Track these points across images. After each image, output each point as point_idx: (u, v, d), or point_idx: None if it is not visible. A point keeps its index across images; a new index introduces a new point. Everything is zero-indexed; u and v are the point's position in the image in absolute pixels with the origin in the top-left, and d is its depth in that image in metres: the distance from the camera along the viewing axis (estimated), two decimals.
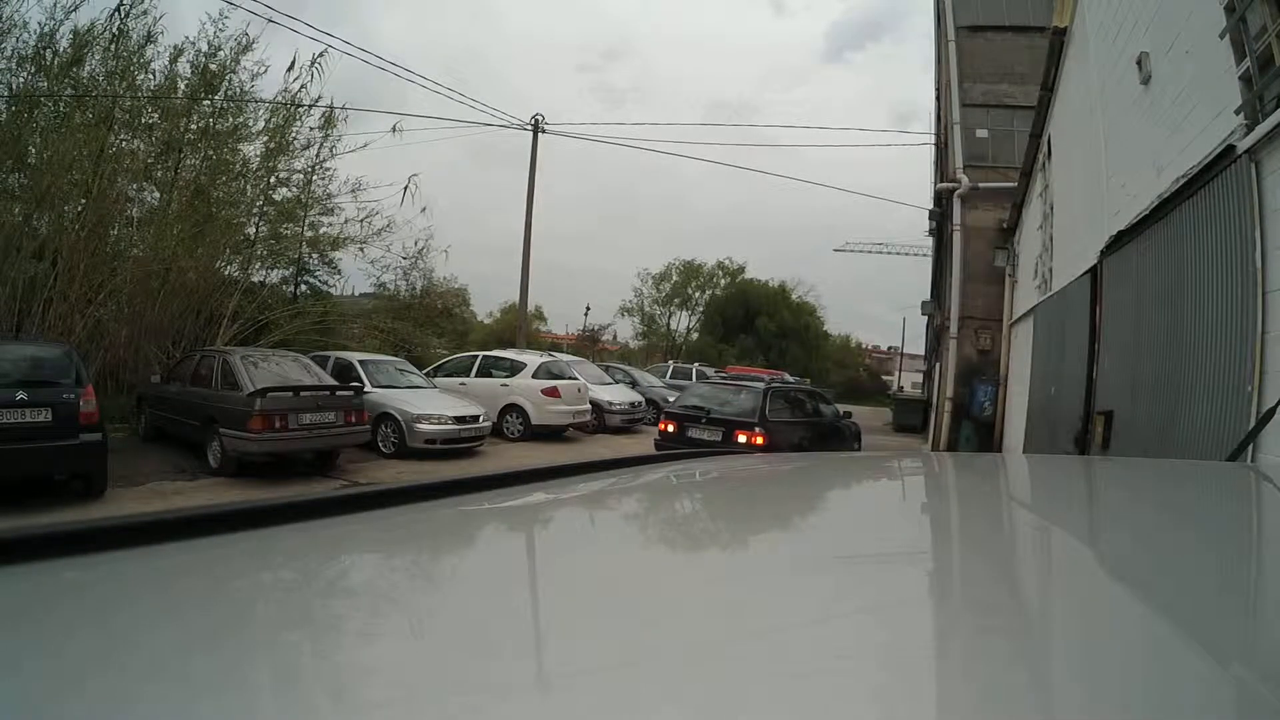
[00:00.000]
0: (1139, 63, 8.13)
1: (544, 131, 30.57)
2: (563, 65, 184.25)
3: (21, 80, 17.23)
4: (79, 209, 17.42)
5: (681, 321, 72.71)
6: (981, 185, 20.51)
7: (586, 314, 63.79)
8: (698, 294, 72.19)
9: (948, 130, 22.27)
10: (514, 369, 19.83)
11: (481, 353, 22.43)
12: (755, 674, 0.75)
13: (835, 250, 75.89)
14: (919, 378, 54.36)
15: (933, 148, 28.57)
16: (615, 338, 70.53)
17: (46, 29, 17.31)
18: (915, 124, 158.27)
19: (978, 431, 19.93)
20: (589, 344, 58.61)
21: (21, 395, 9.35)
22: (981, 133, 21.28)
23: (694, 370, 32.43)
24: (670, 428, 14.42)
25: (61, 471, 10.04)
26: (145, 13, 18.35)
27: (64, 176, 16.73)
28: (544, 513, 1.76)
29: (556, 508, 1.80)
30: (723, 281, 72.03)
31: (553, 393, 18.99)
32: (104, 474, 10.27)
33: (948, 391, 21.16)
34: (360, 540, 1.34)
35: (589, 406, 20.77)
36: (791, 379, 48.76)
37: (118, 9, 17.88)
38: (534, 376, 19.55)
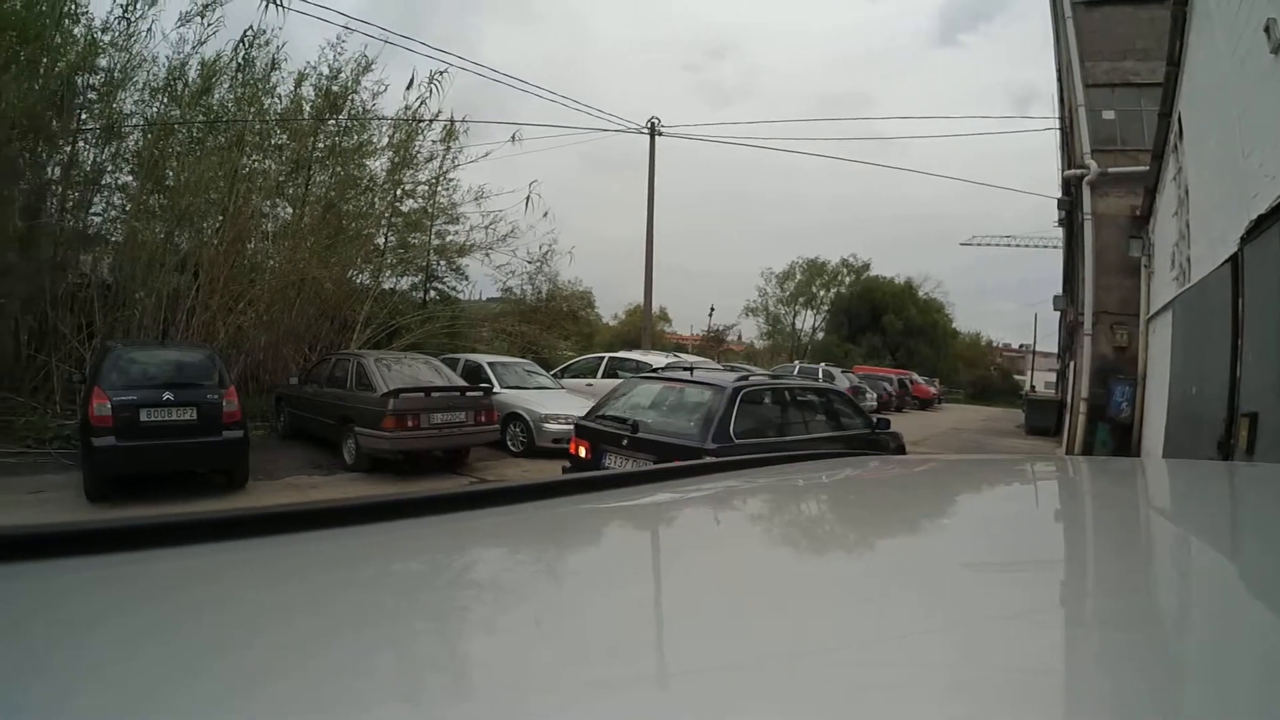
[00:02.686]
0: (1267, 30, 7.74)
1: (660, 134, 30.76)
2: (669, 65, 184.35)
3: (156, 109, 18.13)
4: (217, 225, 18.32)
5: (806, 321, 72.13)
6: (1111, 170, 19.55)
7: (711, 314, 63.52)
8: (822, 292, 71.52)
9: (1072, 113, 21.43)
10: (639, 370, 19.89)
11: (608, 354, 22.65)
12: (879, 681, 0.76)
13: (961, 244, 74.25)
14: (1052, 377, 52.74)
15: (1057, 132, 27.57)
16: (740, 338, 70.31)
17: (175, 62, 18.18)
18: (1035, 106, 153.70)
19: (1114, 434, 18.97)
20: (714, 344, 58.44)
21: (168, 396, 10.04)
22: (1108, 114, 20.21)
23: (819, 370, 31.97)
24: (583, 450, 9.61)
25: (206, 466, 10.69)
26: (267, 42, 19.19)
27: (201, 196, 17.59)
28: (667, 512, 1.77)
29: (680, 507, 1.80)
30: (847, 279, 71.20)
31: None
32: (245, 469, 10.88)
33: (1082, 392, 20.11)
34: (486, 535, 1.40)
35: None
36: (921, 379, 48.20)
37: (241, 40, 18.76)
38: None
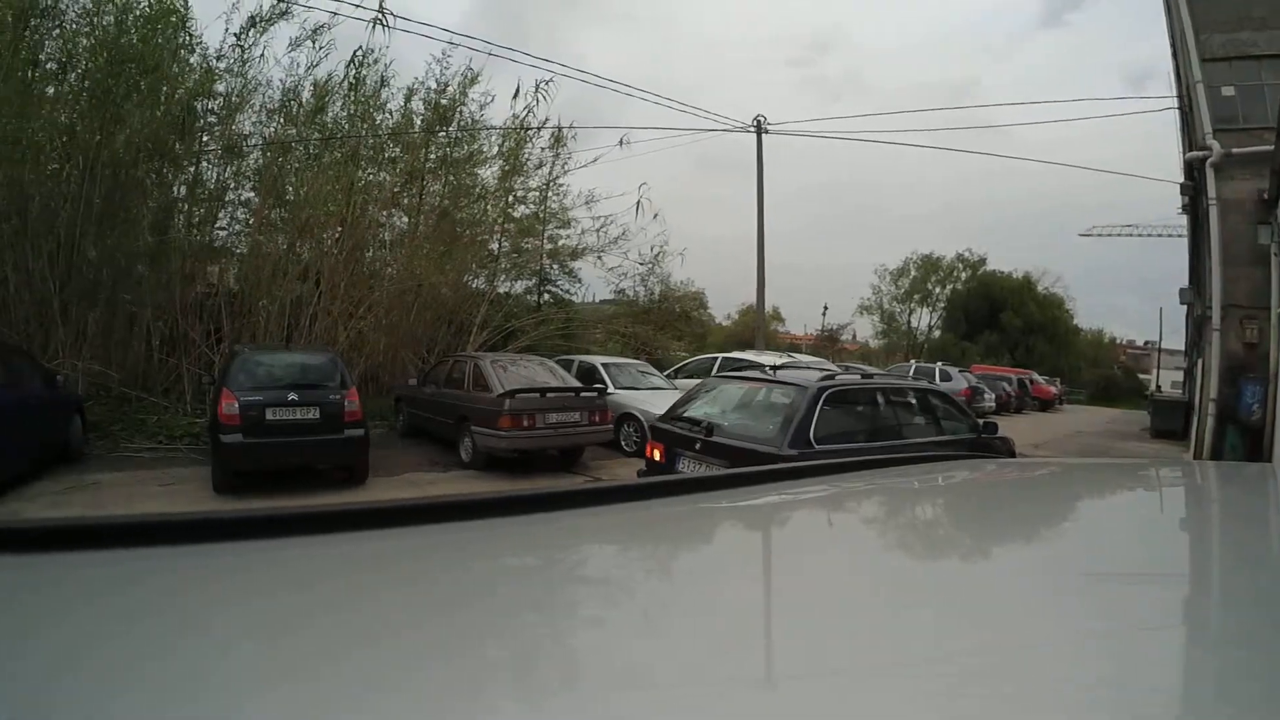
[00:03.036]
0: None
1: (766, 132, 30.54)
2: (773, 63, 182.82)
3: (273, 129, 19.40)
4: (336, 236, 19.26)
5: (922, 319, 70.50)
6: (1235, 151, 18.25)
7: (824, 313, 62.49)
8: (938, 289, 69.71)
9: (1189, 91, 20.07)
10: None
11: (721, 354, 22.56)
12: (994, 692, 0.75)
13: (1081, 235, 71.38)
14: (1179, 376, 50.50)
15: (1176, 112, 26.25)
16: (855, 337, 69.13)
17: (289, 84, 19.41)
18: (1152, 85, 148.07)
19: (1245, 437, 17.68)
20: (827, 344, 57.60)
21: (293, 396, 10.54)
22: (1227, 90, 18.86)
23: (935, 370, 31.30)
24: (657, 454, 8.87)
25: (328, 463, 11.16)
26: (376, 61, 20.25)
27: (320, 209, 18.54)
28: (780, 513, 1.75)
29: (792, 509, 1.79)
30: (963, 275, 69.24)
31: None
32: (365, 465, 11.27)
33: (1210, 392, 18.72)
34: (591, 532, 1.41)
35: None
36: (1041, 379, 46.82)
37: (351, 60, 19.88)
38: None
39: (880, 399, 9.11)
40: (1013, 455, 10.03)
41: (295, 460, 10.72)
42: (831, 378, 8.76)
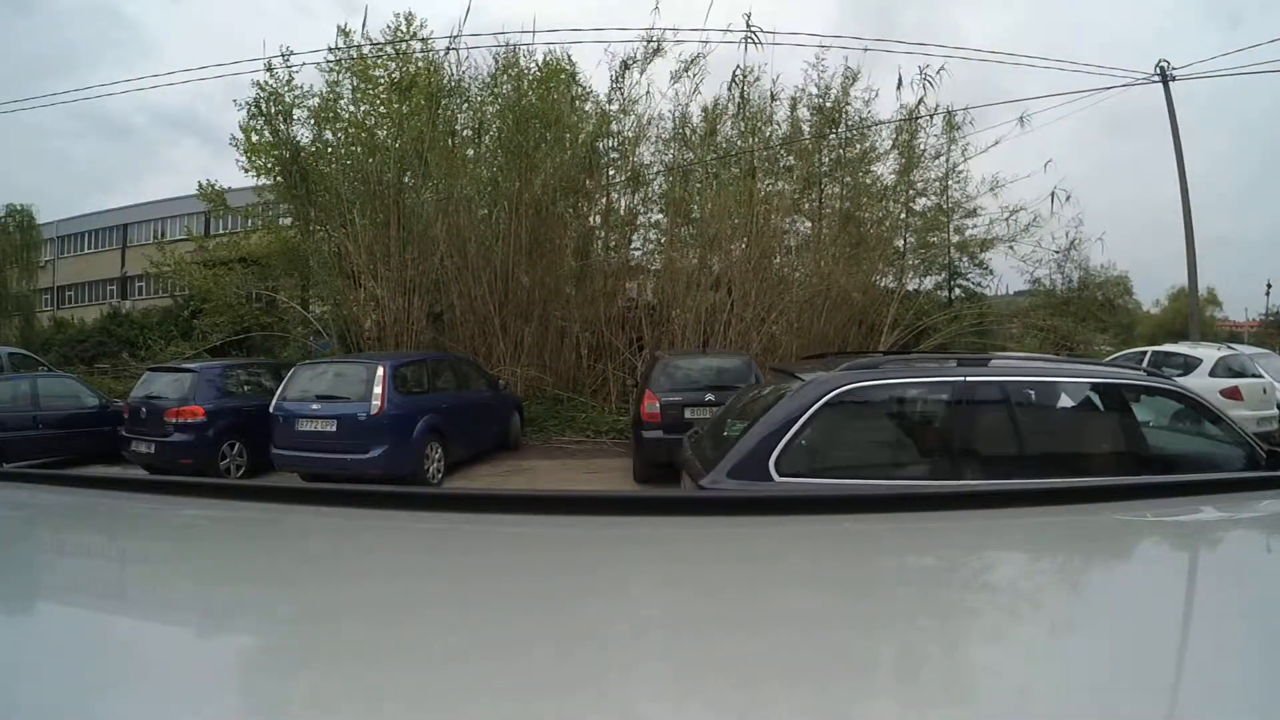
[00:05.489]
0: None
1: (1174, 79, 26.87)
2: None
3: (670, 156, 21.62)
4: (743, 246, 20.33)
5: None
6: None
7: (1268, 292, 52.06)
8: None
9: None
10: (1187, 366, 17.53)
11: (1151, 348, 20.97)
12: None
13: None
14: None
15: None
16: None
17: (677, 113, 21.37)
18: None
19: None
20: (1274, 331, 50.12)
21: (710, 396, 11.30)
22: None
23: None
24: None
25: None
26: (758, 79, 21.50)
27: (725, 223, 20.07)
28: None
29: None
30: None
31: (1233, 394, 16.59)
32: None
33: None
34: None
35: (1277, 411, 17.90)
36: None
37: (733, 80, 21.41)
38: (1211, 375, 17.18)
39: (999, 402, 5.25)
40: None
41: None
42: (875, 366, 5.41)
